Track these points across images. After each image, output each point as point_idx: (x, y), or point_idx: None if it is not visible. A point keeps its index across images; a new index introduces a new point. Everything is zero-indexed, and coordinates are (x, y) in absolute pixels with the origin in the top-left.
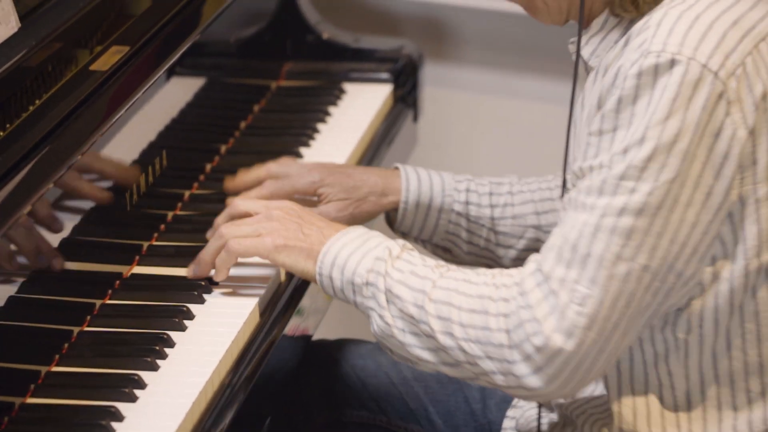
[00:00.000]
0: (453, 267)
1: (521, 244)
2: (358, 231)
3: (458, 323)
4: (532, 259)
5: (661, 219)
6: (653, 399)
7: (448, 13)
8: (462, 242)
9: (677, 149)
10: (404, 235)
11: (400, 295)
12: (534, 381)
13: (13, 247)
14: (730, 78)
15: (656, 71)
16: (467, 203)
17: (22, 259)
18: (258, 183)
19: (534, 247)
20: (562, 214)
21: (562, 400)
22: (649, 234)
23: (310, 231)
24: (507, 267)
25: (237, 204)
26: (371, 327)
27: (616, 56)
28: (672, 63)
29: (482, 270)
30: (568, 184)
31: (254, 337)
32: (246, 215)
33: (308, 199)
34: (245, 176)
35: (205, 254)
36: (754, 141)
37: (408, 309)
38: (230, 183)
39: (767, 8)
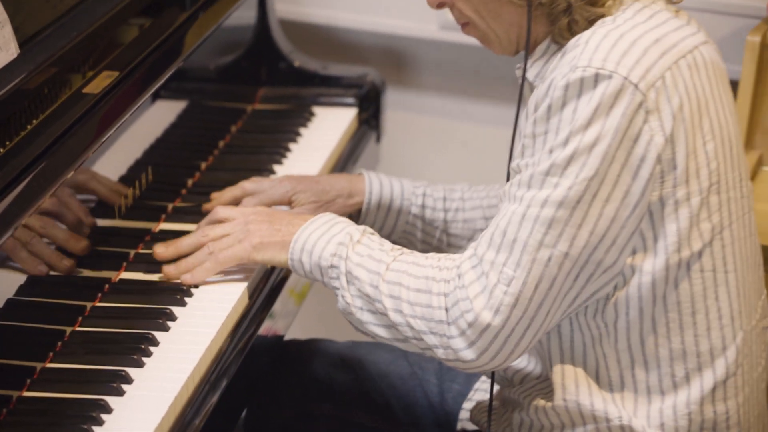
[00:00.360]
0: (406, 251)
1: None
2: (325, 218)
3: (407, 301)
4: (470, 245)
5: (580, 212)
6: (592, 376)
7: (408, 43)
8: (417, 241)
9: (597, 151)
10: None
11: (359, 277)
12: (468, 354)
13: (11, 254)
14: (649, 89)
15: (582, 83)
16: (423, 206)
17: (20, 264)
18: (235, 201)
19: None
20: (499, 204)
21: (508, 389)
22: (568, 224)
23: (280, 225)
24: None
25: (218, 211)
26: (337, 304)
27: (552, 69)
28: (596, 76)
29: (432, 254)
30: (509, 180)
31: (231, 336)
32: (225, 221)
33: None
34: (222, 197)
35: (190, 262)
36: (673, 147)
37: (365, 289)
38: (209, 205)
39: (690, 32)
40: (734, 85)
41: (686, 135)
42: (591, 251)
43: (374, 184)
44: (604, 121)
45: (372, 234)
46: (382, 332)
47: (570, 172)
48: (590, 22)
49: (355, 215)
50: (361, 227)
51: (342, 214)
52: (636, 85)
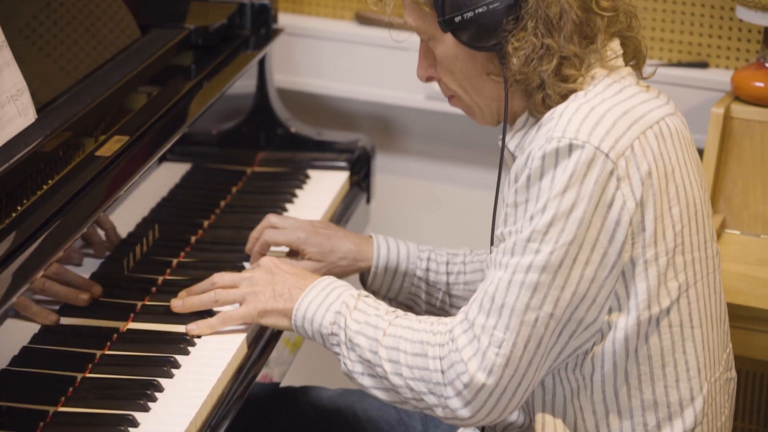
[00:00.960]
0: (401, 313)
1: None
2: (322, 284)
3: (405, 365)
4: (462, 309)
5: (562, 275)
6: (570, 428)
7: (397, 112)
8: (421, 302)
9: (574, 217)
10: (374, 293)
11: (359, 344)
12: (465, 412)
13: (28, 304)
14: (619, 158)
15: (557, 153)
16: (427, 270)
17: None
18: (260, 232)
19: None
20: (486, 271)
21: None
22: (552, 287)
23: (282, 290)
24: None
25: (223, 276)
26: (340, 367)
27: (529, 141)
28: (570, 147)
29: (424, 317)
30: (493, 247)
31: (232, 383)
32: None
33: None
34: (253, 234)
35: (195, 303)
36: (643, 211)
37: (365, 355)
38: (248, 246)
39: (657, 104)
40: (699, 153)
41: (654, 200)
42: (573, 310)
43: (382, 249)
44: (579, 188)
45: (366, 297)
46: (382, 395)
47: (550, 238)
48: (563, 97)
49: (365, 275)
50: (356, 292)
51: (344, 276)
52: (607, 154)
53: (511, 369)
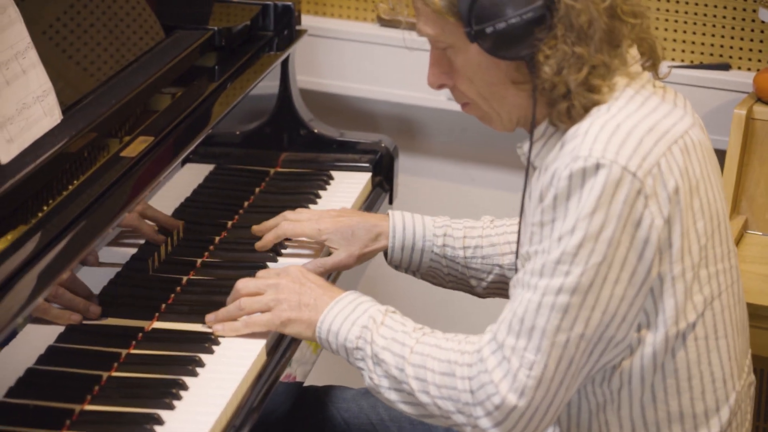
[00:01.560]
0: (428, 331)
1: (490, 278)
2: (349, 298)
3: (433, 383)
4: (489, 329)
5: (592, 295)
6: None
7: (419, 112)
8: (443, 274)
9: (603, 237)
10: (396, 267)
11: (385, 360)
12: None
13: (54, 304)
14: (647, 176)
15: (584, 173)
16: (444, 246)
17: (60, 313)
18: (278, 238)
19: (500, 281)
20: (512, 291)
21: None
22: (583, 308)
23: (308, 300)
24: (481, 295)
25: (247, 283)
26: (365, 383)
27: (553, 158)
28: (597, 166)
29: (450, 335)
30: (518, 264)
31: (256, 383)
32: (255, 293)
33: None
34: (267, 222)
35: (221, 314)
36: (670, 228)
37: (391, 371)
38: (256, 227)
39: (679, 116)
40: (722, 154)
41: (681, 216)
42: (604, 329)
43: (397, 229)
44: (607, 209)
45: (393, 313)
46: (409, 409)
47: (580, 260)
48: (586, 109)
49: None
50: (383, 307)
51: (373, 255)
52: (634, 174)
53: (542, 390)
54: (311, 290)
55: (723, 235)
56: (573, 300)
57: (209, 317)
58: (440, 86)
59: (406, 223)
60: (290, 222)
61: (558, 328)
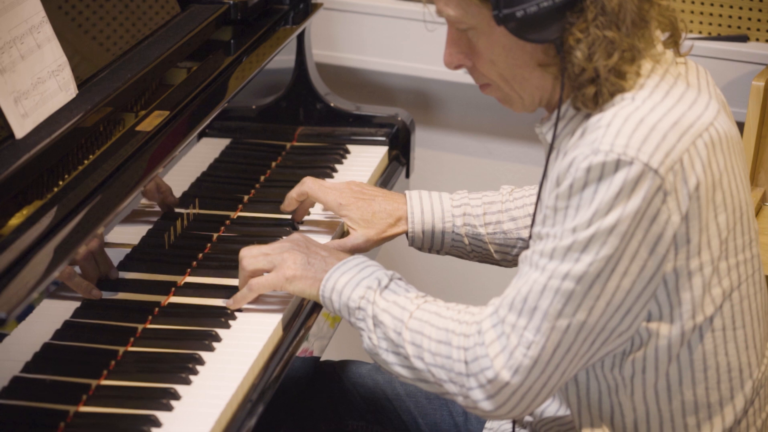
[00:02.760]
0: (430, 299)
1: (514, 251)
2: (356, 260)
3: (428, 351)
4: (492, 303)
5: (599, 285)
6: (607, 423)
7: (435, 86)
8: (467, 251)
9: (617, 231)
10: (419, 249)
11: (384, 322)
12: (487, 405)
13: (69, 278)
14: (668, 173)
15: (603, 167)
16: (464, 225)
17: (76, 284)
18: (300, 196)
19: None
20: (520, 266)
21: (530, 418)
22: (587, 296)
23: (314, 260)
24: (507, 267)
25: (250, 249)
26: (362, 344)
27: (573, 145)
28: (618, 162)
29: (452, 304)
30: (531, 243)
31: (272, 357)
32: (256, 271)
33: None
34: (290, 193)
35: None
36: (688, 224)
37: (389, 334)
38: (283, 206)
39: (704, 105)
40: (740, 126)
41: (700, 211)
42: (607, 320)
43: (416, 212)
44: (624, 205)
45: (399, 279)
46: (405, 373)
47: (590, 250)
48: (612, 95)
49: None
50: (390, 272)
51: (391, 238)
52: (656, 171)
53: (537, 371)
54: (317, 251)
55: (745, 225)
56: (578, 287)
57: (228, 301)
58: (457, 67)
59: (424, 206)
60: (314, 181)
61: (560, 313)
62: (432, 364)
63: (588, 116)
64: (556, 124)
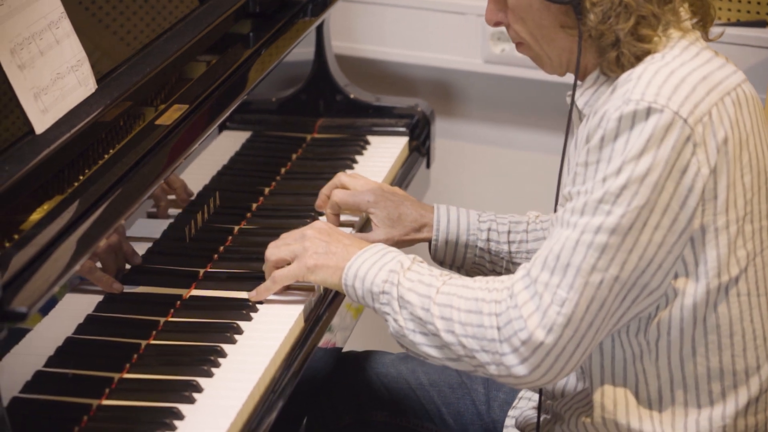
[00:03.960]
0: (455, 275)
1: None
2: (378, 247)
3: (458, 322)
4: (522, 266)
5: (631, 238)
6: (630, 393)
7: (456, 76)
8: (487, 270)
9: (648, 181)
10: (440, 263)
11: (410, 301)
12: (521, 369)
13: (90, 273)
14: (697, 124)
15: (634, 116)
16: (488, 240)
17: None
18: (330, 190)
19: None
20: (551, 229)
21: (550, 402)
22: (620, 250)
23: (336, 248)
24: None
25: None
26: (388, 329)
27: (603, 102)
28: (649, 110)
29: (479, 277)
30: (559, 208)
31: (294, 349)
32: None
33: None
34: (323, 191)
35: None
36: (716, 178)
37: (417, 312)
38: (318, 203)
39: (732, 70)
40: None
41: (728, 167)
42: (639, 275)
43: (442, 222)
44: (655, 153)
45: (421, 262)
46: (434, 352)
47: (622, 201)
48: (637, 58)
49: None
50: (411, 256)
51: (412, 243)
52: (685, 120)
53: (571, 329)
54: (339, 239)
55: None
56: (611, 240)
57: (251, 294)
58: (496, 23)
59: (450, 216)
60: (343, 193)
61: (593, 267)
62: (463, 335)
63: (617, 77)
64: (574, 85)
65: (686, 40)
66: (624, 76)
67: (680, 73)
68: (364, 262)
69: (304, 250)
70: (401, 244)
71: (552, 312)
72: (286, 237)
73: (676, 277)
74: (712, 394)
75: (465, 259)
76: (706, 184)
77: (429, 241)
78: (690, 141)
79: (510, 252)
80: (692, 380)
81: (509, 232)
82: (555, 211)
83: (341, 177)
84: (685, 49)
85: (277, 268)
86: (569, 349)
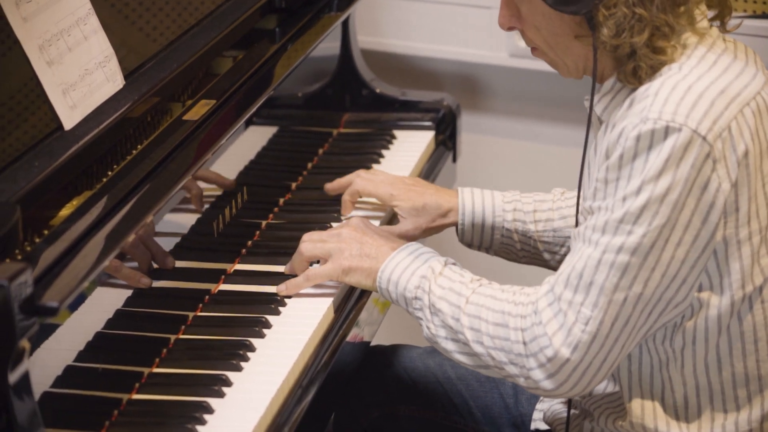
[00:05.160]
0: (485, 282)
1: (563, 250)
2: (409, 249)
3: (486, 334)
4: (546, 281)
5: (653, 256)
6: (657, 398)
7: (480, 70)
8: (516, 250)
9: (669, 200)
10: (469, 245)
11: (441, 309)
12: (548, 384)
13: (119, 268)
14: (716, 140)
15: (653, 135)
16: (514, 221)
17: (125, 276)
18: (348, 184)
19: None
20: (572, 243)
21: (580, 398)
22: (642, 268)
23: (369, 250)
24: (554, 268)
25: (311, 234)
26: (422, 332)
27: (621, 116)
28: (667, 129)
29: (507, 287)
30: (580, 218)
31: (322, 343)
32: (313, 257)
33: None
34: (340, 180)
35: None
36: (737, 191)
37: (447, 321)
38: (328, 185)
39: (751, 75)
40: None
41: (749, 179)
42: (663, 290)
43: (467, 205)
44: (674, 172)
45: (453, 264)
46: (466, 359)
47: (643, 221)
48: (653, 69)
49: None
50: (443, 259)
51: (440, 230)
52: (704, 137)
53: (596, 346)
54: (373, 239)
55: None
56: (633, 260)
57: (280, 287)
58: (510, 28)
59: (475, 199)
60: (364, 180)
61: (616, 286)
62: (491, 347)
63: (635, 87)
64: (591, 96)
65: (703, 46)
66: (641, 90)
67: (698, 88)
68: (396, 266)
69: (339, 252)
70: (429, 231)
71: (577, 330)
72: (323, 234)
73: (700, 289)
74: (738, 399)
75: (492, 240)
76: (727, 199)
77: (456, 225)
78: (710, 158)
79: (537, 231)
80: (718, 386)
81: (534, 211)
82: (576, 224)
83: (360, 172)
84: (702, 59)
85: (309, 262)
86: (595, 365)
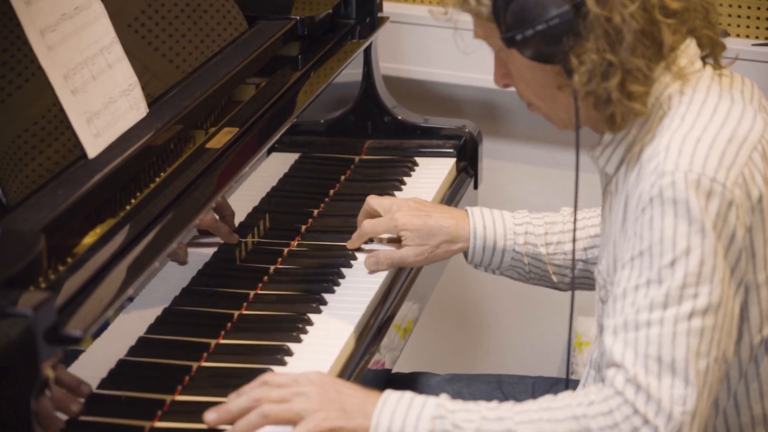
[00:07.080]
0: (506, 403)
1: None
2: (395, 396)
3: None
4: (611, 375)
5: (720, 313)
6: None
7: (502, 96)
8: (524, 272)
9: (713, 251)
10: (476, 267)
11: None
12: None
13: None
14: (734, 187)
15: (674, 187)
16: (525, 243)
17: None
18: (370, 216)
19: (584, 275)
20: (608, 334)
21: None
22: (715, 328)
23: (351, 407)
24: (563, 290)
25: (266, 377)
26: None
27: (633, 183)
28: (686, 180)
29: (548, 396)
30: (597, 275)
31: (344, 369)
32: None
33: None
34: (359, 216)
35: (233, 407)
36: (752, 237)
37: None
38: (350, 243)
39: (752, 117)
40: None
41: (764, 224)
42: (725, 349)
43: (478, 229)
44: (701, 222)
45: (448, 399)
46: None
47: (704, 278)
48: (624, 119)
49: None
50: (436, 398)
51: (444, 258)
52: (724, 185)
53: (698, 421)
54: (350, 396)
55: None
56: (707, 321)
57: (210, 415)
58: (505, 85)
59: (486, 222)
60: (369, 223)
61: (698, 354)
62: None
63: (640, 152)
64: (576, 145)
65: (701, 93)
66: (648, 151)
67: (706, 140)
68: (393, 416)
69: (314, 413)
70: (434, 258)
71: (677, 413)
72: (285, 392)
73: None
74: None
75: (502, 262)
76: (744, 245)
77: (465, 250)
78: (732, 206)
79: (548, 254)
80: (735, 428)
81: (546, 233)
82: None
83: (369, 200)
84: (702, 107)
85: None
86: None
